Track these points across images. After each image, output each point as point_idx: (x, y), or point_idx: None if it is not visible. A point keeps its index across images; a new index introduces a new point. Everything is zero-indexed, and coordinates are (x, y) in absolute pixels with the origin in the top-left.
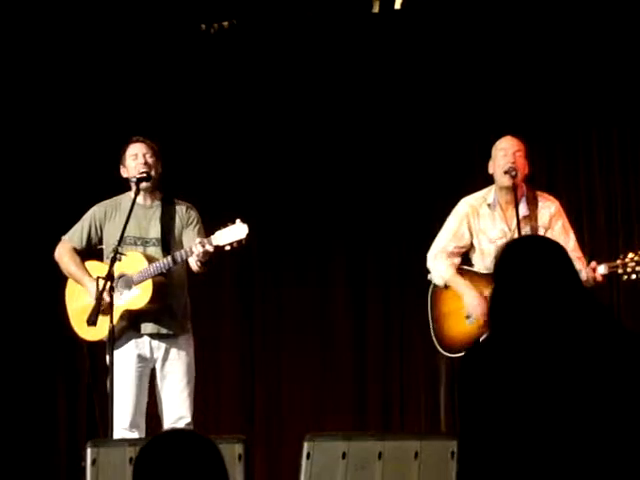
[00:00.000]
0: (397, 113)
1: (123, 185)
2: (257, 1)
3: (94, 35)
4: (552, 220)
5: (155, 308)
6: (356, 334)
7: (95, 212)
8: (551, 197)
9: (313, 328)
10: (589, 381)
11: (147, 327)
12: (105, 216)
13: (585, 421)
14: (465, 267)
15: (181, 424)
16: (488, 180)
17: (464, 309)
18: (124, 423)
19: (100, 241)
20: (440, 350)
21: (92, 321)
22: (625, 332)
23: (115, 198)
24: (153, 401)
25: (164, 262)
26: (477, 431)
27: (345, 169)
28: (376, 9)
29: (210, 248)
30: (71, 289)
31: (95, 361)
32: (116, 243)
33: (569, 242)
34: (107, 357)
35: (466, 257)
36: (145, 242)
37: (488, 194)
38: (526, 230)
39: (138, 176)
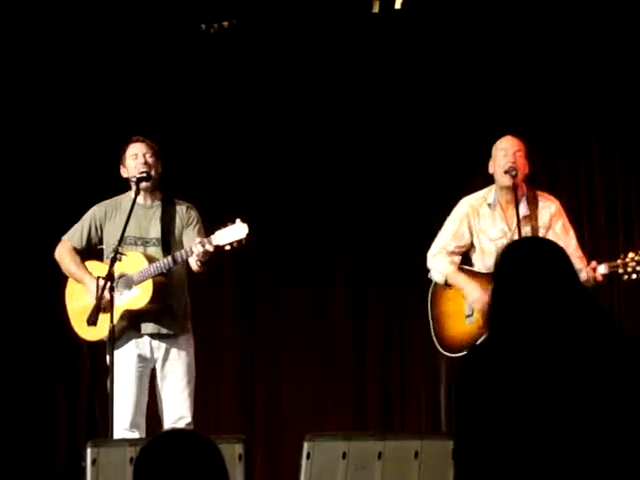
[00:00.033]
0: (397, 113)
1: (123, 185)
2: (257, 1)
3: (94, 35)
4: (552, 220)
5: (155, 308)
6: (356, 334)
7: (95, 212)
8: (551, 197)
9: (313, 328)
10: (586, 384)
11: (147, 327)
12: (105, 216)
13: (581, 423)
14: (465, 267)
15: (181, 424)
16: (488, 180)
17: (464, 309)
18: (124, 423)
19: (100, 241)
20: (440, 350)
21: (92, 321)
22: (622, 336)
23: (115, 198)
24: (153, 401)
25: (164, 262)
26: (474, 433)
27: (345, 169)
28: (376, 9)
29: (210, 248)
30: (71, 289)
31: (95, 361)
32: (116, 243)
33: (570, 242)
34: (107, 357)
35: (466, 257)
36: (145, 242)
37: (488, 194)
38: (526, 230)
39: (138, 176)
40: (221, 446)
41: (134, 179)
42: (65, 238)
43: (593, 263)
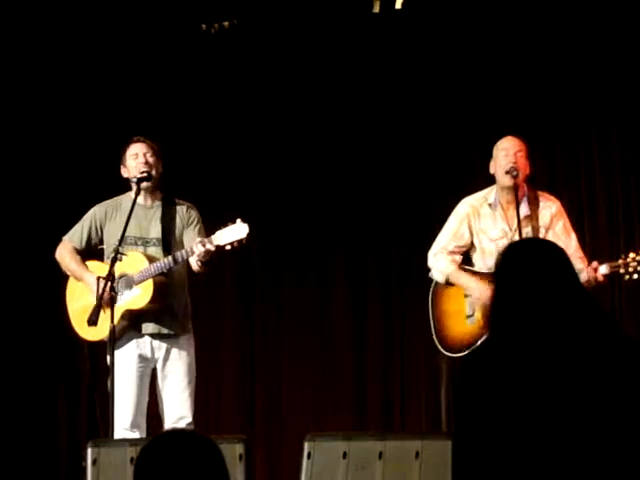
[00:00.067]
0: (398, 113)
1: (123, 185)
2: (257, 1)
3: (95, 35)
4: (553, 220)
5: (156, 308)
6: (356, 334)
7: (95, 212)
8: (552, 197)
9: (313, 328)
10: (585, 385)
11: (148, 327)
12: (105, 216)
13: (581, 425)
14: (466, 267)
15: (182, 424)
16: (489, 180)
17: (465, 308)
18: (125, 423)
19: (100, 241)
20: (441, 350)
21: (93, 321)
22: (623, 337)
23: (115, 198)
24: (154, 401)
25: (165, 262)
26: (473, 434)
27: (345, 169)
28: (377, 9)
29: (211, 247)
30: (72, 289)
31: (96, 361)
32: (117, 243)
33: (570, 242)
34: (108, 357)
35: (467, 257)
36: (146, 242)
37: (489, 194)
38: (527, 230)
39: (139, 176)
40: (222, 446)
41: (135, 179)
42: (65, 239)
43: (594, 263)
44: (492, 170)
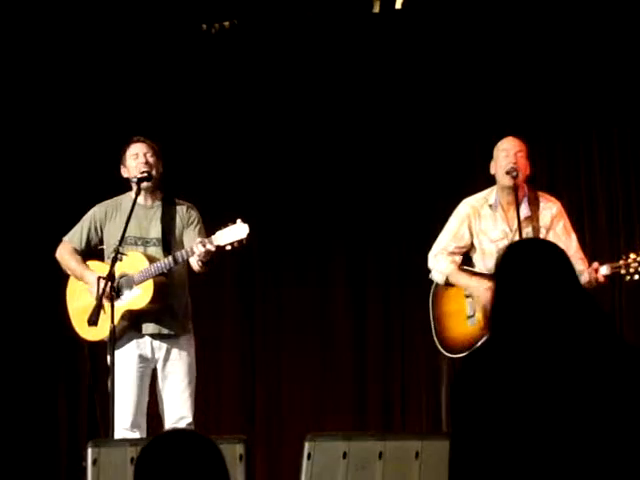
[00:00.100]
0: (398, 113)
1: (123, 185)
2: (258, 1)
3: (95, 35)
4: (554, 221)
5: (156, 308)
6: (356, 334)
7: (95, 212)
8: (553, 198)
9: (313, 328)
10: (584, 388)
11: (148, 327)
12: (105, 216)
13: (579, 428)
14: (466, 267)
15: (182, 424)
16: (489, 181)
17: (466, 309)
18: (125, 423)
19: (101, 241)
20: (441, 351)
21: (93, 321)
22: (621, 340)
23: (115, 198)
24: (154, 401)
25: (165, 262)
26: (471, 436)
27: (345, 169)
28: (377, 9)
29: (211, 247)
30: (72, 289)
31: (96, 361)
32: (117, 243)
33: (571, 243)
34: (108, 357)
35: (467, 258)
36: (146, 242)
37: (490, 195)
38: (527, 231)
39: (139, 176)
40: (222, 446)
41: (135, 179)
42: (66, 239)
43: (595, 264)
44: (492, 171)
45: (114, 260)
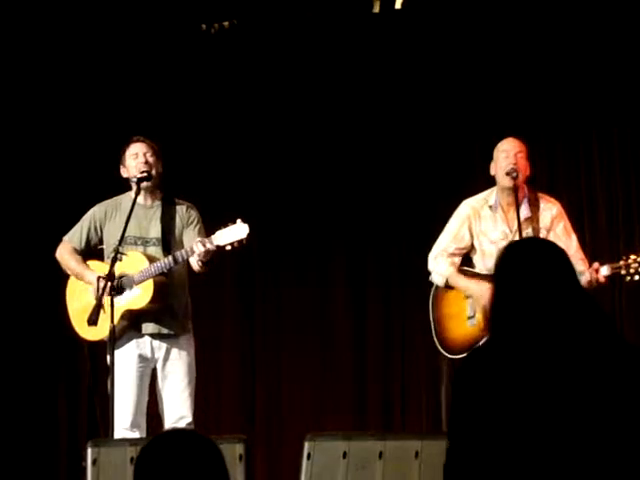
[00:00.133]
0: (398, 114)
1: (123, 185)
2: (257, 1)
3: (95, 35)
4: (554, 222)
5: (156, 308)
6: (356, 334)
7: (95, 212)
8: (553, 199)
9: (313, 328)
10: (583, 389)
11: (148, 327)
12: (105, 216)
13: (578, 429)
14: (466, 268)
15: (182, 424)
16: (489, 182)
17: (466, 310)
18: (125, 423)
19: (100, 241)
20: (442, 351)
21: (93, 321)
22: (621, 340)
23: (115, 198)
24: (154, 401)
25: (165, 262)
26: (469, 436)
27: (345, 169)
28: (376, 9)
29: (211, 247)
30: (72, 289)
31: (96, 361)
32: (117, 243)
33: (571, 244)
34: (108, 357)
35: (468, 258)
36: (145, 242)
37: (490, 196)
38: (527, 232)
39: (139, 176)
40: (222, 446)
41: (135, 179)
42: (65, 239)
43: (595, 264)
44: (493, 172)
45: (114, 260)
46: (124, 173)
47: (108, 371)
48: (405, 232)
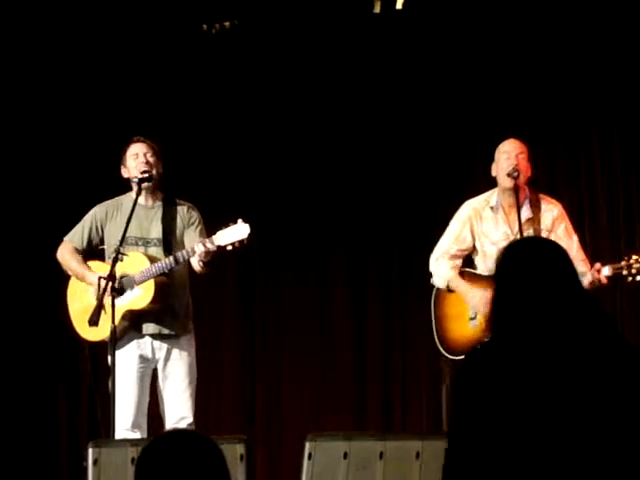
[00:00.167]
0: (398, 114)
1: (124, 185)
2: (258, 1)
3: (95, 35)
4: (555, 223)
5: (157, 308)
6: (356, 334)
7: (96, 212)
8: (554, 200)
9: (313, 328)
10: (585, 389)
11: (149, 327)
12: (106, 216)
13: (578, 430)
14: (467, 269)
15: (183, 424)
16: (490, 182)
17: (468, 311)
18: (126, 423)
19: (101, 241)
20: (443, 352)
21: (94, 321)
22: (623, 341)
23: (116, 198)
24: (155, 401)
25: (166, 262)
26: (466, 434)
27: (345, 169)
28: (377, 9)
29: (212, 247)
30: (73, 289)
31: (97, 361)
32: (117, 243)
33: (572, 245)
34: (109, 357)
35: (469, 260)
36: (146, 242)
37: (491, 197)
38: (529, 233)
39: (140, 176)
40: (222, 446)
41: (135, 179)
42: (66, 239)
43: (597, 265)
44: (494, 173)
45: (115, 260)
46: (125, 173)
47: (109, 371)
48: (405, 232)
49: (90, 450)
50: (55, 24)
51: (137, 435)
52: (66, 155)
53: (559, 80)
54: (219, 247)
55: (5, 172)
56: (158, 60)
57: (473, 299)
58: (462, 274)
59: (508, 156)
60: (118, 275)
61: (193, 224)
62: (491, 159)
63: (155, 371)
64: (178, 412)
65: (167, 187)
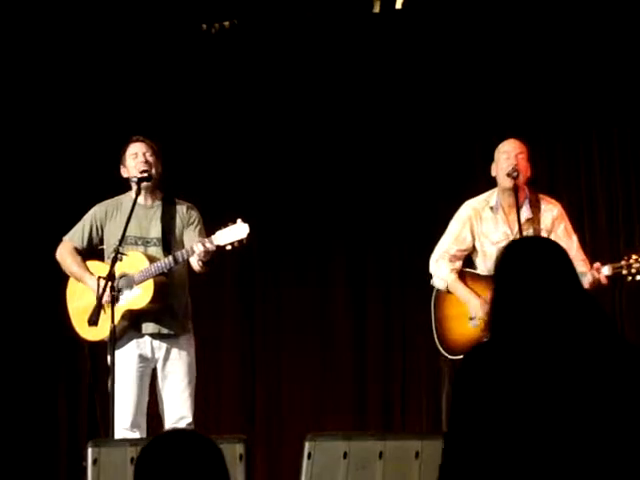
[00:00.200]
0: (398, 114)
1: (123, 185)
2: (258, 1)
3: (95, 35)
4: (555, 223)
5: (156, 308)
6: (356, 334)
7: (96, 212)
8: (554, 200)
9: (313, 328)
10: (585, 389)
11: (148, 327)
12: (106, 216)
13: (579, 429)
14: (467, 269)
15: (182, 424)
16: (490, 182)
17: (468, 311)
18: (125, 423)
19: (101, 241)
20: (443, 352)
21: (93, 321)
22: (623, 341)
23: (116, 198)
24: (154, 401)
25: (165, 262)
26: (464, 434)
27: (345, 169)
28: (377, 9)
29: (211, 247)
30: (72, 289)
31: (96, 361)
32: (117, 243)
33: (572, 245)
34: (108, 357)
35: (469, 260)
36: (146, 242)
37: (491, 197)
38: (528, 233)
39: (139, 176)
40: (222, 446)
41: (135, 179)
42: (66, 238)
43: (597, 264)
44: (494, 173)
45: (114, 260)
46: (124, 173)
47: (108, 371)
48: (405, 232)
49: (89, 450)
50: (55, 24)
51: (136, 435)
52: (66, 155)
53: (559, 80)
54: (218, 247)
55: (5, 172)
56: (158, 60)
57: (473, 305)
58: (462, 274)
59: (508, 156)
60: (117, 275)
61: (192, 224)
62: (491, 159)
63: (154, 371)
64: (177, 412)
65: (166, 187)
